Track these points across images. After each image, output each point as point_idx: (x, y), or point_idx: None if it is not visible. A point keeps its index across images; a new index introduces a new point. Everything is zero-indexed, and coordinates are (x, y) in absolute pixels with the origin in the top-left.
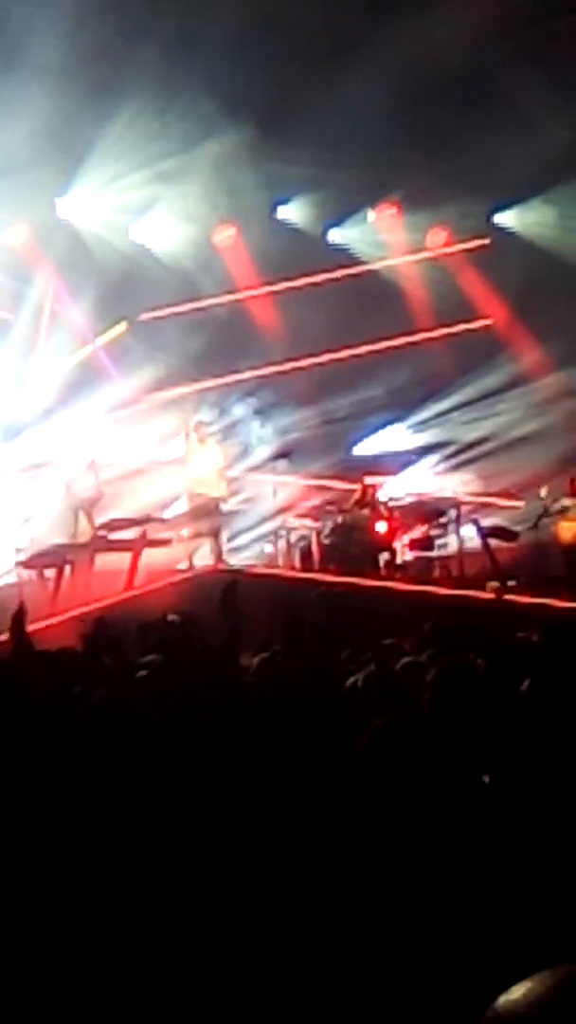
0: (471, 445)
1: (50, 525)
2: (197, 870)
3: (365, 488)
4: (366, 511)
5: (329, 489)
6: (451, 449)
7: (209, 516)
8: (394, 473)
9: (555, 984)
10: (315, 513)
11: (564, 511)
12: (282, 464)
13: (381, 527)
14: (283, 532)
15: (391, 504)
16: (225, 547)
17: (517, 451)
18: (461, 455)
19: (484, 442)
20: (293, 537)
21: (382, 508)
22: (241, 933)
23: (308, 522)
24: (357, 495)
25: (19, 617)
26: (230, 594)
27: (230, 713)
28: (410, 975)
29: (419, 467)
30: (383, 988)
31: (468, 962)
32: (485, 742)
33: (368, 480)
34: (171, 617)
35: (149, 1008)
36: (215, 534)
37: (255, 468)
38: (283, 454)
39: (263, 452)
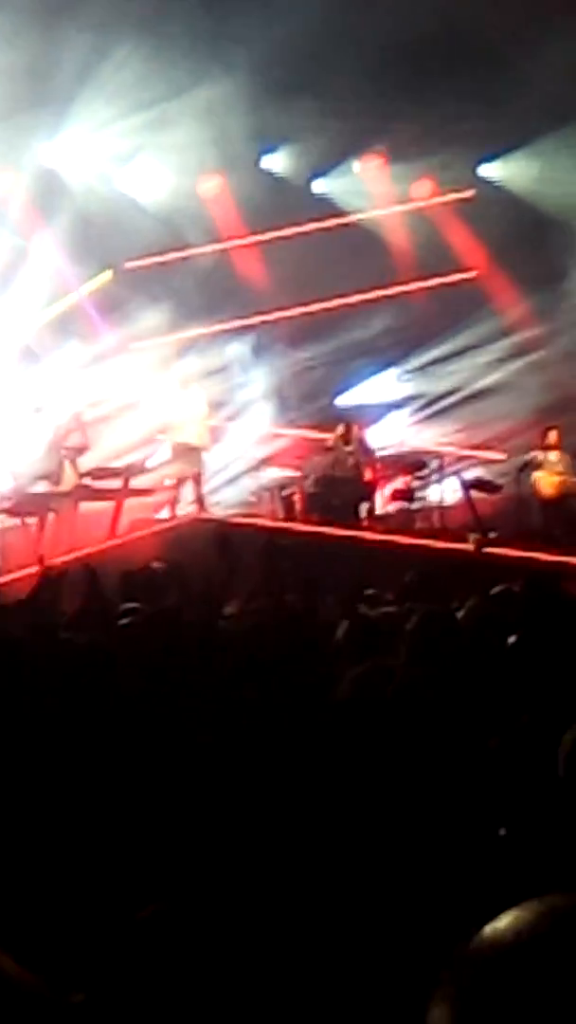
0: (453, 396)
1: (34, 472)
2: (181, 813)
3: (348, 426)
4: (349, 447)
5: (311, 440)
6: (434, 400)
7: (191, 464)
8: (377, 423)
9: (540, 913)
10: (297, 462)
11: (539, 464)
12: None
13: (363, 477)
14: (265, 481)
15: (375, 454)
16: (207, 495)
17: (499, 402)
18: (444, 406)
19: (467, 393)
20: (275, 486)
21: (364, 446)
22: (228, 882)
23: (290, 472)
24: (340, 431)
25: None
26: (226, 544)
27: (216, 659)
28: (397, 918)
29: (401, 417)
30: (372, 938)
31: (452, 904)
32: (465, 691)
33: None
34: (155, 565)
35: (145, 950)
36: (197, 482)
37: (238, 416)
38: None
39: (250, 396)
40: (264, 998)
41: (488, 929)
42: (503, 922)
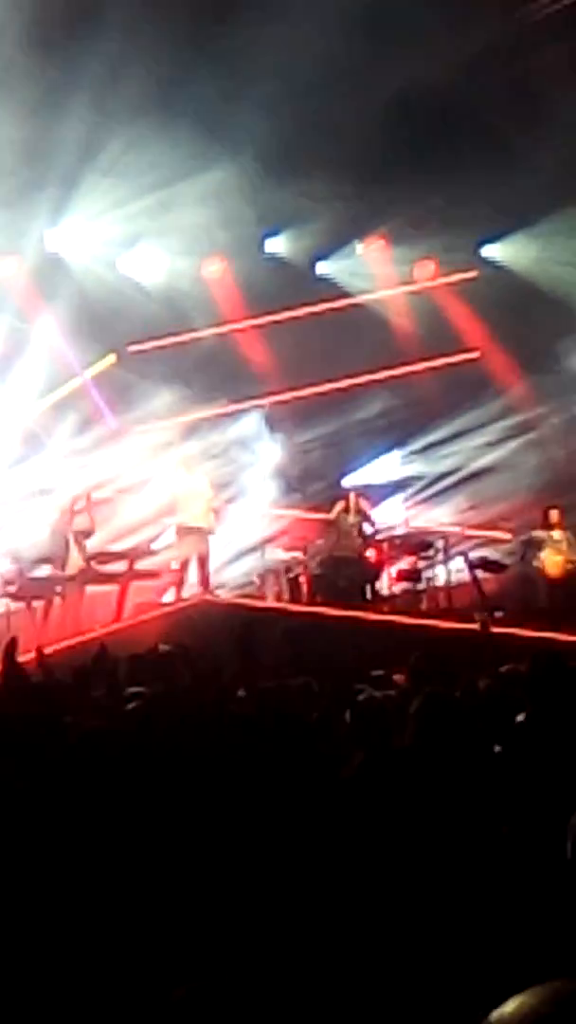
0: (455, 476)
1: (39, 555)
2: (190, 894)
3: (347, 498)
4: (352, 518)
5: (315, 520)
6: (437, 480)
7: (196, 545)
8: (381, 503)
9: (545, 998)
10: (302, 543)
11: (542, 543)
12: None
13: (369, 557)
14: (270, 562)
15: (380, 535)
16: (212, 578)
17: (500, 481)
18: (446, 486)
19: (468, 473)
20: (280, 568)
21: (369, 518)
22: (243, 949)
23: (296, 554)
24: (341, 505)
25: (10, 650)
26: (247, 633)
27: (226, 741)
28: (404, 991)
29: (406, 498)
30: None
31: (459, 987)
32: (470, 772)
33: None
34: (162, 648)
35: None
36: (202, 564)
37: (241, 497)
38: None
39: (253, 477)
40: None
41: (496, 1014)
42: (510, 1007)
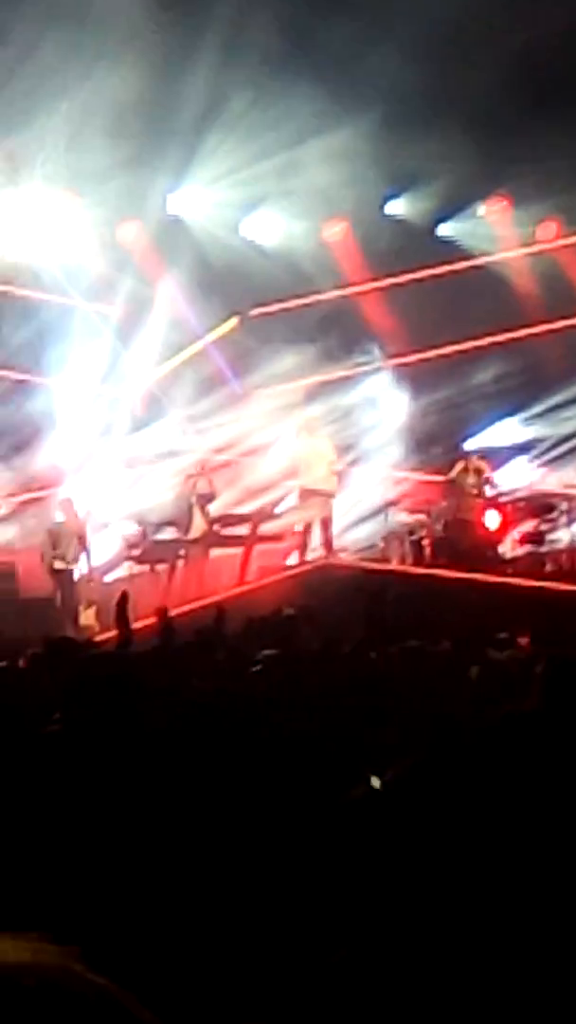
0: None
1: (162, 519)
2: (322, 860)
3: (467, 460)
4: (471, 479)
5: (438, 483)
6: (560, 442)
7: (319, 509)
8: (504, 466)
9: None
10: (425, 506)
11: None
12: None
13: (492, 520)
14: (393, 525)
15: (503, 498)
16: (335, 541)
17: None
18: (572, 449)
19: None
20: (404, 531)
21: (488, 476)
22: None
23: (419, 517)
24: (462, 466)
25: (122, 608)
26: (378, 597)
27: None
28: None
29: (531, 460)
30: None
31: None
32: None
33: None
34: (287, 611)
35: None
36: (325, 527)
37: (364, 460)
38: None
39: (377, 440)
40: None
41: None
42: None
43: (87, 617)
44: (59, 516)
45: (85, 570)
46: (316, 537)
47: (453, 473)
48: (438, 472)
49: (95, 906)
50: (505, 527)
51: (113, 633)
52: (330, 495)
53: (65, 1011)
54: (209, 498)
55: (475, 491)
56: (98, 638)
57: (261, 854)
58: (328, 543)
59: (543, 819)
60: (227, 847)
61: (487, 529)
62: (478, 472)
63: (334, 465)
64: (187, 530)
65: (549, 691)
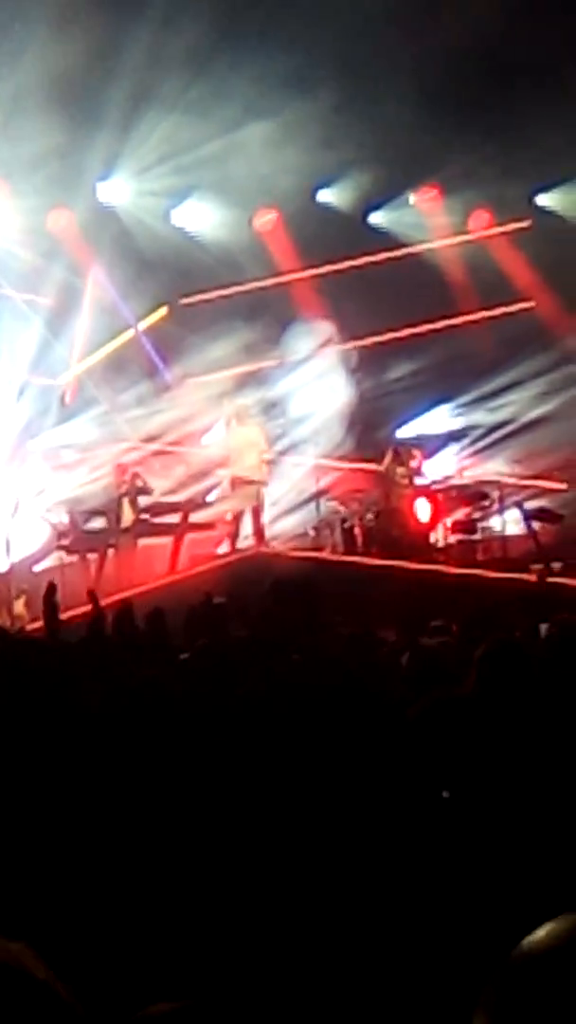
0: (510, 426)
1: (92, 508)
2: (244, 849)
3: (396, 450)
4: (401, 468)
5: (369, 472)
6: (492, 430)
7: (249, 498)
8: (436, 454)
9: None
10: (356, 495)
11: None
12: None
13: (423, 509)
14: (324, 514)
15: (435, 486)
16: (267, 530)
17: (556, 431)
18: (502, 435)
19: (524, 423)
20: (335, 519)
21: (416, 466)
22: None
23: (350, 505)
24: (390, 456)
25: (49, 598)
26: (277, 588)
27: (277, 691)
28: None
29: (460, 449)
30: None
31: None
32: (533, 720)
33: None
34: (216, 600)
35: None
36: (256, 516)
37: (295, 449)
38: None
39: (307, 429)
40: None
41: (527, 940)
42: (541, 932)
43: (17, 607)
44: None
45: (15, 560)
46: (247, 526)
47: (384, 462)
48: (370, 461)
49: (38, 899)
50: (437, 516)
51: (41, 623)
52: (261, 484)
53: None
54: (140, 490)
55: (405, 480)
56: (28, 627)
57: (196, 840)
58: (259, 532)
59: (476, 801)
60: (164, 833)
61: (418, 518)
62: (408, 461)
63: (264, 454)
64: (117, 519)
65: (487, 673)
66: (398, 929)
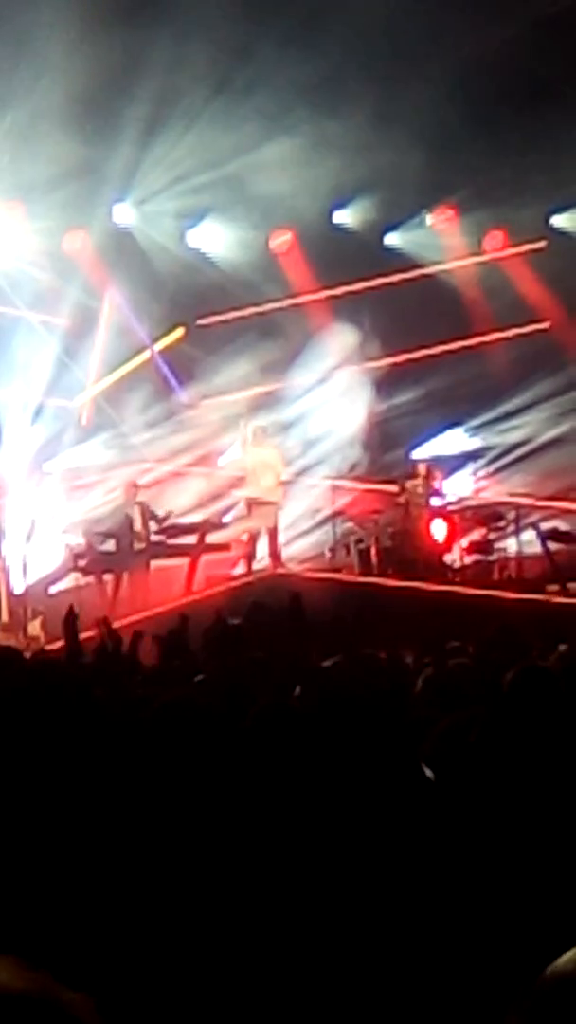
0: (527, 447)
1: (109, 528)
2: (264, 866)
3: (429, 467)
4: (420, 488)
5: (386, 492)
6: (508, 451)
7: (265, 519)
8: (452, 475)
9: None
10: (372, 516)
11: None
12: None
13: (439, 529)
14: (340, 535)
15: (451, 507)
16: (282, 551)
17: (573, 452)
18: (518, 457)
19: (540, 444)
20: (351, 540)
21: (435, 487)
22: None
23: (367, 526)
24: (411, 475)
25: (70, 621)
26: (296, 605)
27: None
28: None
29: (476, 470)
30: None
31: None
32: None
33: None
34: (232, 621)
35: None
36: (272, 537)
37: (311, 470)
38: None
39: (323, 450)
40: None
41: (555, 964)
42: (567, 957)
43: (33, 628)
44: None
45: (31, 581)
46: (262, 547)
47: (405, 483)
48: (386, 482)
49: (54, 920)
50: (453, 536)
51: (60, 644)
52: (277, 505)
53: None
54: (152, 516)
55: (423, 501)
56: (45, 648)
57: (212, 858)
58: (275, 554)
59: (501, 820)
60: (183, 852)
61: (435, 539)
62: (427, 481)
63: (280, 475)
64: (130, 539)
65: (518, 699)
66: (413, 940)
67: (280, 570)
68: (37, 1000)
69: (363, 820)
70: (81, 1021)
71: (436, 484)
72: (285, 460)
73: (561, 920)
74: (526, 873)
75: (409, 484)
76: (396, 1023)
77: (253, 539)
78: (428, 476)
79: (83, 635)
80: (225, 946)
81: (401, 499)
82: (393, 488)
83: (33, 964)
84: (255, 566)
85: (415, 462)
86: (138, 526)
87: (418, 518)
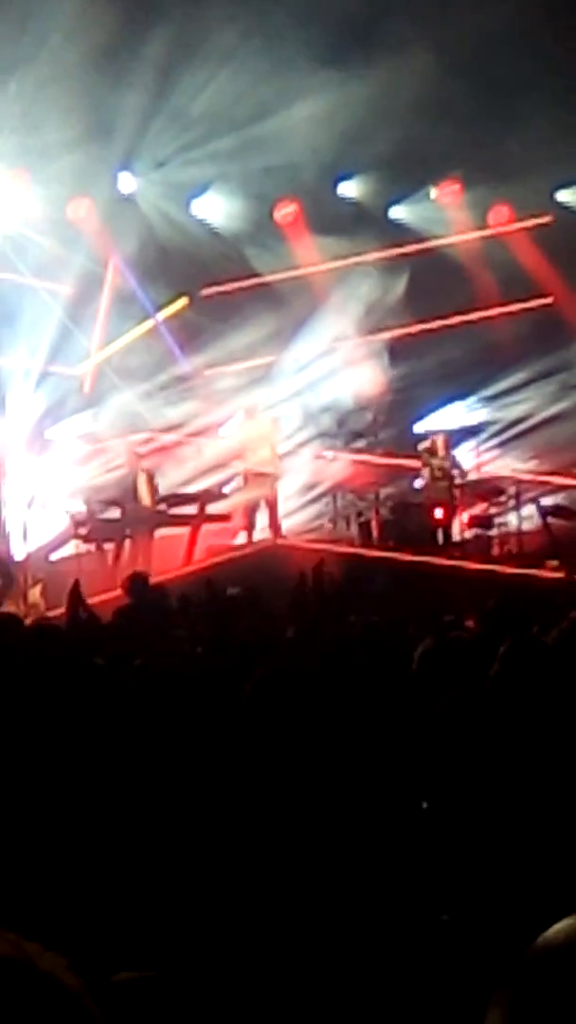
0: (528, 422)
1: (108, 497)
2: (260, 841)
3: (433, 441)
4: (438, 461)
5: (386, 465)
6: (510, 426)
7: (263, 490)
8: (454, 449)
9: None
10: (372, 488)
11: None
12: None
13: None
14: (340, 507)
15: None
16: (283, 522)
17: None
18: (519, 432)
19: (542, 419)
20: (351, 512)
21: (455, 461)
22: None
23: (367, 498)
24: (442, 443)
25: (75, 592)
26: (318, 572)
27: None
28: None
29: (478, 444)
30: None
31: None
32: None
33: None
34: (230, 591)
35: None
36: (271, 508)
37: (312, 441)
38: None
39: (325, 422)
40: None
41: (542, 937)
42: (557, 929)
43: (33, 595)
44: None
45: (31, 548)
46: (262, 519)
47: (430, 459)
48: (387, 454)
49: (54, 892)
50: (453, 510)
51: (60, 611)
52: (274, 477)
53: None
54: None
55: (440, 472)
56: (45, 616)
57: (218, 830)
58: (274, 525)
59: (491, 796)
60: (189, 821)
61: (434, 512)
62: (446, 455)
63: (277, 446)
64: (135, 509)
65: (509, 670)
66: (409, 924)
67: (280, 541)
68: (8, 960)
69: (362, 789)
70: (56, 980)
71: (452, 457)
72: (281, 432)
73: (557, 892)
74: (521, 845)
75: (433, 460)
76: (392, 994)
77: (252, 510)
78: (447, 449)
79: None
80: (220, 920)
81: (425, 473)
82: (416, 463)
83: (6, 927)
84: (255, 537)
85: (430, 435)
86: (143, 494)
87: (439, 490)
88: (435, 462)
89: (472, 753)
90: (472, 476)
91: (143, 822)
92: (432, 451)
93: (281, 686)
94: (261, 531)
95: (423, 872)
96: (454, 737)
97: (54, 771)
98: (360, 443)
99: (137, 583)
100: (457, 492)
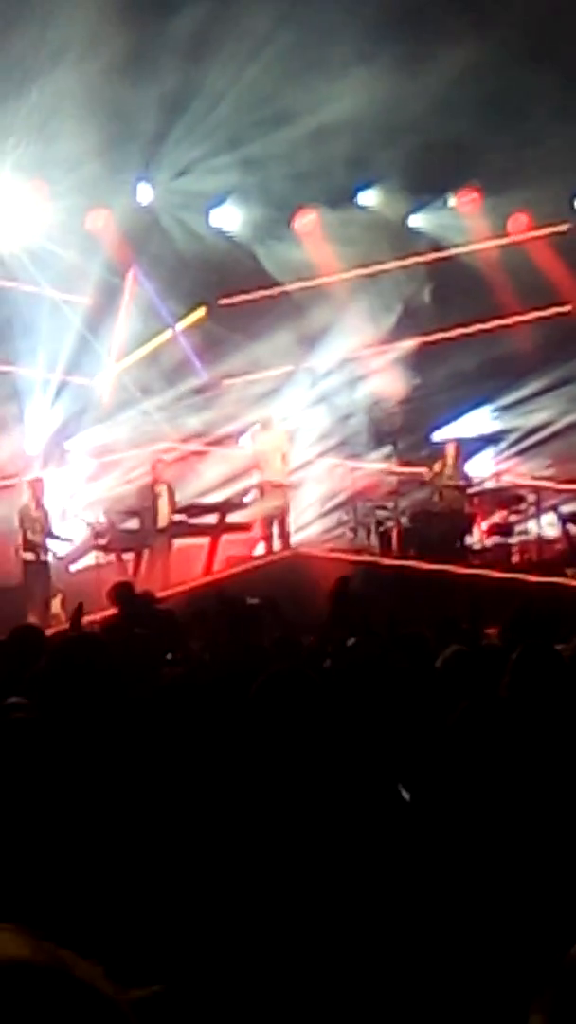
0: (548, 430)
1: (127, 508)
2: (287, 848)
3: (458, 447)
4: (449, 471)
5: (406, 474)
6: (529, 433)
7: (276, 501)
8: (473, 457)
9: None
10: (392, 497)
11: None
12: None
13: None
14: (360, 515)
15: (472, 489)
16: (292, 531)
17: None
18: (539, 439)
19: (561, 426)
20: (371, 521)
21: (463, 473)
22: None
23: (387, 507)
24: (452, 450)
25: (76, 616)
26: (342, 587)
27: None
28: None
29: (498, 452)
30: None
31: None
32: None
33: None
34: (250, 601)
35: None
36: (282, 521)
37: (332, 450)
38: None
39: (344, 431)
40: None
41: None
42: None
43: (54, 606)
44: (26, 498)
45: (53, 559)
46: (278, 529)
47: (435, 467)
48: (407, 463)
49: (77, 897)
50: (473, 518)
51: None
52: (287, 487)
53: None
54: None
55: (451, 482)
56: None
57: (239, 838)
58: (284, 536)
59: (510, 805)
60: (208, 828)
61: (455, 520)
62: (456, 462)
63: (289, 458)
64: (154, 520)
65: (520, 677)
66: (416, 931)
67: (300, 550)
68: (46, 968)
69: (363, 791)
70: (94, 987)
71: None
72: (293, 443)
73: (566, 901)
74: (532, 852)
75: (438, 466)
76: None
77: (270, 521)
78: (456, 457)
79: (101, 613)
80: (227, 918)
81: (429, 480)
82: (423, 471)
83: (36, 933)
84: (275, 547)
85: (443, 443)
86: (164, 505)
87: (453, 500)
88: (440, 482)
89: (481, 762)
90: (490, 484)
91: (145, 823)
92: (439, 471)
93: (286, 687)
94: (278, 541)
95: (423, 875)
96: (465, 746)
97: (59, 778)
98: (385, 449)
99: (124, 593)
100: (476, 500)
